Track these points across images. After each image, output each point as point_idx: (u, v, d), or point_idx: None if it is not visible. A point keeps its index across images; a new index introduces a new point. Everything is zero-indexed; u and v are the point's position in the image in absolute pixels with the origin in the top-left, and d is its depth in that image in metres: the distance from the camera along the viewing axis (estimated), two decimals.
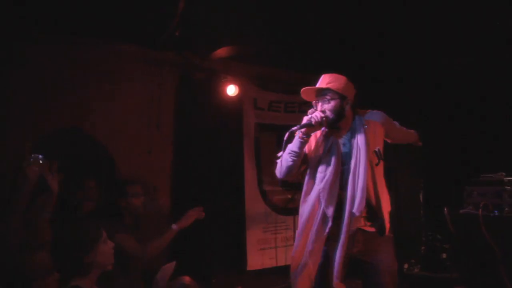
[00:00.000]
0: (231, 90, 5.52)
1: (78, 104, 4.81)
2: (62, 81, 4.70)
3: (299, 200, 5.47)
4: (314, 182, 2.83)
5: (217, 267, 5.39)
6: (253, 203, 5.90)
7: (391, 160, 6.26)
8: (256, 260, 5.82)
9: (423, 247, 5.77)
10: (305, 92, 2.86)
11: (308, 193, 2.86)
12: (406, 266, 5.71)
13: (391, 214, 2.85)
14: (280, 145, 2.76)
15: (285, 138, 2.65)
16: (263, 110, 6.03)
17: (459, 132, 5.51)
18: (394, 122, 3.07)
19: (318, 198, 2.76)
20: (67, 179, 5.15)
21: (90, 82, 4.87)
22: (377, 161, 2.74)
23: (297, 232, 2.86)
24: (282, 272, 5.51)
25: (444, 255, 5.34)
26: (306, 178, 2.90)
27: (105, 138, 4.98)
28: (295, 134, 2.74)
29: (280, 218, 6.04)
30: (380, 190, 2.76)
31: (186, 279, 3.21)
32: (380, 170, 2.78)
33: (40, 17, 4.28)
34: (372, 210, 2.75)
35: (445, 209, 3.99)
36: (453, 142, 5.57)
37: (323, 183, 2.74)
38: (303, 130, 2.71)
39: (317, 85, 2.83)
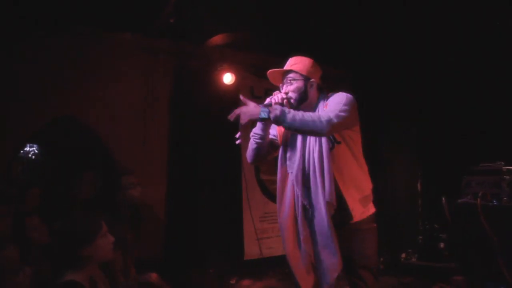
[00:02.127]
0: (228, 78, 5.46)
1: (72, 93, 4.76)
2: (56, 72, 4.65)
3: None
4: (286, 169, 2.76)
5: (214, 257, 5.38)
6: (250, 193, 5.87)
7: (389, 149, 6.32)
8: (254, 249, 5.80)
9: (420, 237, 5.77)
10: (271, 75, 2.80)
11: (282, 180, 2.78)
12: (403, 255, 5.72)
13: (365, 198, 2.71)
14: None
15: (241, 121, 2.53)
16: (260, 99, 5.98)
17: (457, 121, 5.48)
18: (335, 100, 2.58)
19: (293, 186, 2.70)
20: (65, 171, 5.16)
21: (84, 72, 4.82)
22: (331, 145, 2.58)
23: (280, 221, 2.74)
24: (280, 262, 5.50)
25: (442, 245, 5.33)
26: (279, 164, 2.82)
27: (99, 128, 4.94)
28: None
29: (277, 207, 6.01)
30: (341, 176, 2.60)
31: (153, 276, 3.16)
32: (341, 153, 2.61)
33: (35, 6, 4.22)
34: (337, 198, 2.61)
35: (443, 199, 3.97)
36: (452, 131, 5.54)
37: (294, 170, 2.67)
38: None
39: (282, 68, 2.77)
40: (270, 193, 6.04)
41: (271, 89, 6.19)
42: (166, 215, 5.27)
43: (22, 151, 5.80)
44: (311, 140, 2.61)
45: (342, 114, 2.44)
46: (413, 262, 5.59)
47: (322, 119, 2.36)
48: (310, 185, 2.60)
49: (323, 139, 2.56)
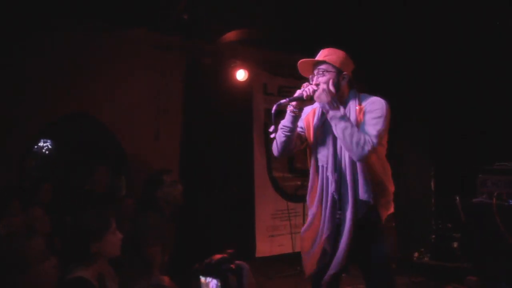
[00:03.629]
0: (241, 75, 5.45)
1: (85, 89, 4.79)
2: (69, 67, 4.67)
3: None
4: (316, 163, 2.75)
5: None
6: (263, 190, 5.87)
7: (401, 148, 6.26)
8: (265, 246, 5.80)
9: (433, 236, 5.72)
10: (302, 65, 2.72)
11: (314, 172, 2.78)
12: (416, 255, 5.66)
13: (388, 202, 2.71)
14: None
15: (272, 111, 2.52)
16: (273, 96, 5.97)
17: (471, 120, 5.42)
18: (374, 115, 2.54)
19: (323, 180, 2.69)
20: (78, 165, 5.19)
21: (97, 68, 4.84)
22: None
23: (311, 210, 2.76)
24: (291, 259, 5.49)
25: (455, 245, 5.27)
26: (311, 157, 2.82)
27: (111, 124, 4.96)
28: (287, 108, 2.65)
29: (289, 205, 5.98)
30: (370, 177, 2.58)
31: (166, 279, 3.16)
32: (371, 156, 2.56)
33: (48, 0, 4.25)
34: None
35: (457, 198, 3.92)
36: (465, 129, 5.48)
37: (329, 166, 2.64)
38: (293, 103, 2.60)
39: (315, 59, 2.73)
40: (282, 190, 6.03)
41: (284, 86, 6.25)
42: (178, 211, 5.27)
43: (35, 146, 5.85)
44: None
45: (383, 134, 2.50)
46: (426, 261, 5.53)
47: (366, 148, 2.41)
48: (342, 182, 2.60)
49: None
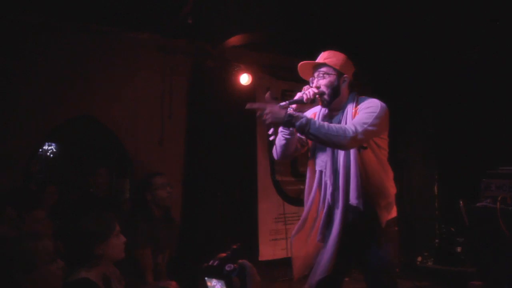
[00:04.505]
0: (244, 79, 5.46)
1: (90, 92, 4.81)
2: (74, 70, 4.69)
3: None
4: (313, 168, 2.74)
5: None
6: (266, 193, 5.86)
7: (405, 152, 6.26)
8: (268, 250, 5.79)
9: (436, 240, 5.71)
10: (302, 68, 2.71)
11: (311, 177, 2.77)
12: (419, 259, 5.66)
13: (389, 204, 2.68)
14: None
15: None
16: (276, 99, 5.95)
17: (474, 123, 5.41)
18: (367, 111, 2.50)
19: (321, 185, 2.68)
20: (82, 168, 5.21)
21: (101, 71, 4.86)
22: (357, 150, 2.53)
23: (301, 218, 2.76)
24: None
25: (459, 249, 5.27)
26: (309, 161, 2.80)
27: (116, 127, 4.97)
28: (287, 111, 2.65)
29: (292, 208, 5.99)
30: (367, 182, 2.56)
31: (173, 284, 3.17)
32: (366, 159, 2.56)
33: (53, 4, 4.27)
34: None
35: (461, 202, 3.91)
36: (469, 133, 5.47)
37: (327, 171, 2.62)
38: (293, 106, 2.57)
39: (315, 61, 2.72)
40: (286, 194, 6.03)
41: (288, 90, 6.26)
42: (182, 214, 5.29)
43: (40, 150, 5.88)
44: None
45: (370, 128, 2.40)
46: (429, 265, 5.53)
47: (347, 134, 2.32)
48: (335, 187, 2.59)
49: None
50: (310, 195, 2.74)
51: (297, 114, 2.42)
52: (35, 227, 3.39)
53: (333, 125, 2.37)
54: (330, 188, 2.61)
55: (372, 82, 6.40)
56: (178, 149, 5.37)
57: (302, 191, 5.62)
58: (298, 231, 2.75)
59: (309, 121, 2.35)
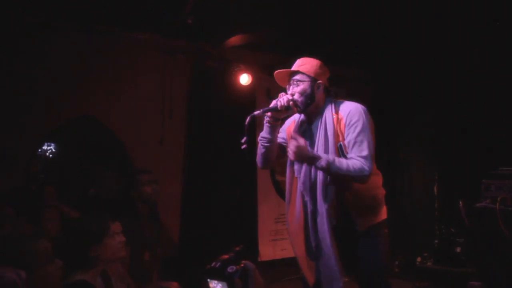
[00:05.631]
0: (244, 79, 5.47)
1: (90, 92, 4.81)
2: (74, 71, 4.70)
3: None
4: (294, 173, 2.74)
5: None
6: (266, 194, 5.87)
7: (405, 152, 6.26)
8: (268, 251, 5.80)
9: (436, 241, 5.70)
10: (279, 76, 2.74)
11: (290, 183, 2.76)
12: (419, 259, 5.65)
13: (374, 208, 2.66)
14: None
15: (246, 123, 2.54)
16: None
17: (475, 124, 5.41)
18: (355, 135, 2.47)
19: (301, 192, 2.68)
20: (82, 169, 5.20)
21: (102, 71, 4.87)
22: (344, 153, 2.51)
23: (289, 225, 2.75)
24: (294, 263, 5.48)
25: (458, 249, 5.26)
26: (287, 167, 2.77)
27: (117, 127, 4.98)
28: (264, 120, 2.63)
29: None
30: (348, 185, 2.55)
31: (174, 285, 3.16)
32: None
33: (53, 4, 4.27)
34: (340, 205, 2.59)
35: (461, 202, 3.91)
36: (469, 134, 5.47)
37: (302, 176, 2.63)
38: (269, 114, 2.58)
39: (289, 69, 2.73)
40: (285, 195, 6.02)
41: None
42: (182, 214, 5.29)
43: (40, 150, 5.87)
44: (319, 147, 2.57)
45: (372, 149, 2.45)
46: (429, 266, 5.52)
47: (365, 173, 2.40)
48: (316, 192, 2.58)
49: (331, 148, 2.52)
50: (293, 205, 2.73)
51: (317, 155, 2.45)
52: (47, 225, 3.42)
53: (350, 164, 2.41)
54: (309, 194, 2.61)
55: (372, 82, 6.42)
56: (178, 149, 5.37)
57: None
58: (297, 248, 2.73)
59: (329, 164, 2.39)
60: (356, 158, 2.43)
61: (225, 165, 5.53)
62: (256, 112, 2.57)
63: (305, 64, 2.67)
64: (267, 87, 5.92)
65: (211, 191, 5.45)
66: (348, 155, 2.47)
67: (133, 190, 3.68)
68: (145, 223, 3.65)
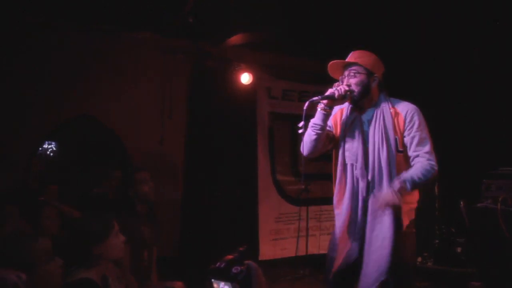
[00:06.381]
0: (245, 78, 5.47)
1: (90, 92, 4.81)
2: (75, 70, 4.70)
3: (312, 190, 5.49)
4: (344, 162, 2.73)
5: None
6: (266, 193, 5.86)
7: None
8: (268, 250, 5.79)
9: (436, 241, 5.69)
10: (332, 66, 2.75)
11: (341, 170, 2.73)
12: (419, 259, 5.64)
13: (412, 209, 2.73)
14: (295, 135, 2.66)
15: (304, 108, 2.53)
16: (277, 99, 5.97)
17: (475, 124, 5.41)
18: (418, 131, 2.61)
19: (352, 179, 2.67)
20: (83, 168, 5.20)
21: (102, 71, 4.87)
22: (399, 148, 2.60)
23: (338, 210, 2.74)
24: (294, 263, 5.49)
25: (459, 249, 5.25)
26: (339, 154, 2.75)
27: (117, 127, 4.98)
28: (317, 107, 2.65)
29: (292, 208, 5.99)
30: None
31: (179, 284, 3.15)
32: (399, 162, 2.61)
33: (55, 4, 4.27)
34: None
35: (461, 203, 3.91)
36: (469, 133, 5.46)
37: (359, 164, 2.64)
38: (324, 101, 2.60)
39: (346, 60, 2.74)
40: (286, 194, 6.02)
41: (288, 89, 6.25)
42: (182, 214, 5.29)
43: (40, 149, 5.87)
44: (376, 137, 2.61)
45: (432, 145, 2.61)
46: (429, 266, 5.50)
47: (434, 172, 2.55)
48: (375, 183, 2.60)
49: (391, 141, 2.59)
50: (342, 192, 2.73)
51: (401, 185, 2.47)
52: (45, 223, 3.42)
53: (423, 171, 2.52)
54: (365, 182, 2.63)
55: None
56: (178, 149, 5.37)
57: (302, 191, 5.68)
58: (341, 227, 2.71)
59: (406, 183, 2.46)
60: (422, 155, 2.56)
61: (225, 165, 5.53)
62: (315, 98, 2.60)
63: (362, 57, 2.71)
64: (268, 86, 5.92)
65: (211, 191, 5.44)
66: (410, 152, 2.59)
67: (130, 189, 3.66)
68: (142, 222, 3.64)
